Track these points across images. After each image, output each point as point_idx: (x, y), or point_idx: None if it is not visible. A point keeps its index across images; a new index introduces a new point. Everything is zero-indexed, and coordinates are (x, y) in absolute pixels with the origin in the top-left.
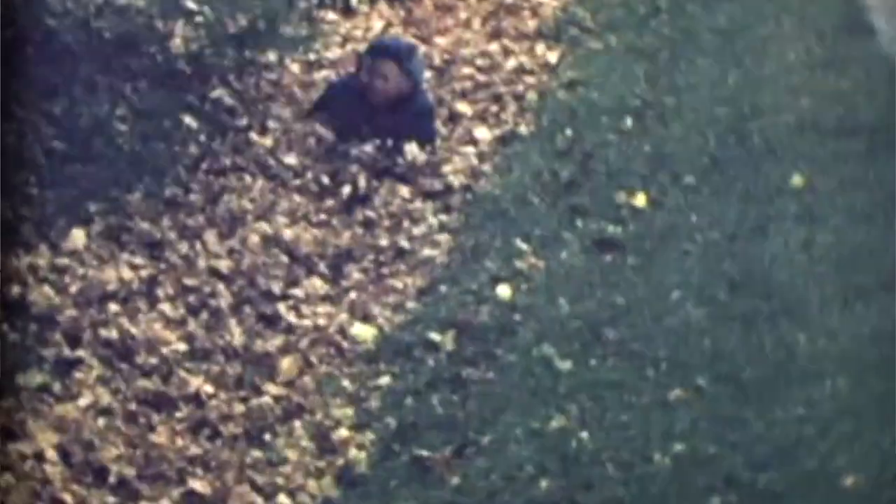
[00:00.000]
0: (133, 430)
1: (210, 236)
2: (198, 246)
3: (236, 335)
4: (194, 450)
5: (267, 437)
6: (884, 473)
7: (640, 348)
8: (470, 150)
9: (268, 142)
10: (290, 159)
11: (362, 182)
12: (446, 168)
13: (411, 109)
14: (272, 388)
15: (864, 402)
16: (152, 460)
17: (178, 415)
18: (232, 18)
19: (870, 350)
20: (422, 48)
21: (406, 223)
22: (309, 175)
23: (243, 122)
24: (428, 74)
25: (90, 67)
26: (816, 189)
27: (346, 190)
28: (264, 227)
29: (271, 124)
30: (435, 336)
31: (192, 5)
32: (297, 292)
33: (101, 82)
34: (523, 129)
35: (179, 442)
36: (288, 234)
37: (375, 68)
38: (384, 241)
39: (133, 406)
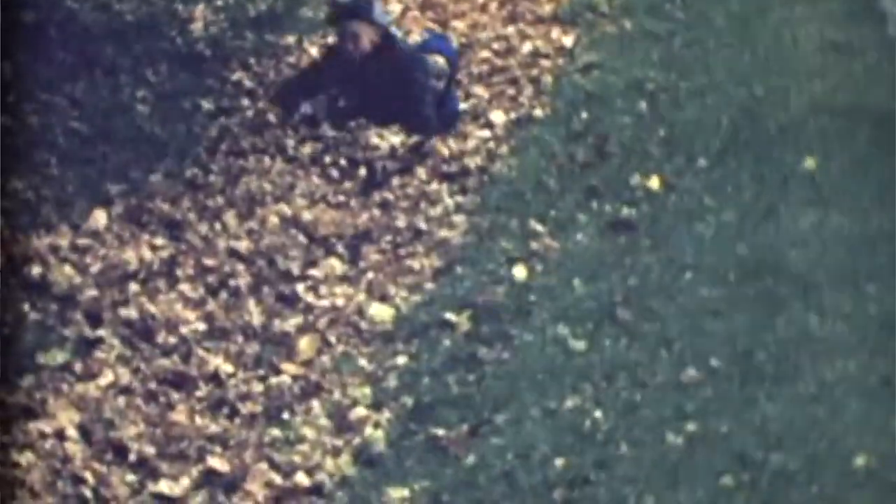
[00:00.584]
0: (153, 409)
1: (229, 217)
2: (217, 227)
3: (255, 315)
4: (213, 428)
5: (285, 415)
6: (894, 453)
7: (654, 329)
8: (486, 132)
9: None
10: (307, 144)
11: (379, 164)
12: (463, 150)
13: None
14: (290, 368)
15: (874, 384)
16: (172, 439)
17: (198, 394)
18: (251, 2)
19: (880, 332)
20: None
21: (423, 205)
22: (327, 158)
23: (261, 104)
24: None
25: (112, 50)
26: (828, 171)
27: (364, 172)
28: (283, 208)
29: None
30: (451, 316)
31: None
32: (316, 273)
33: (123, 65)
34: (539, 112)
35: (199, 420)
36: (306, 215)
37: (345, 31)
38: (401, 223)
39: (153, 385)
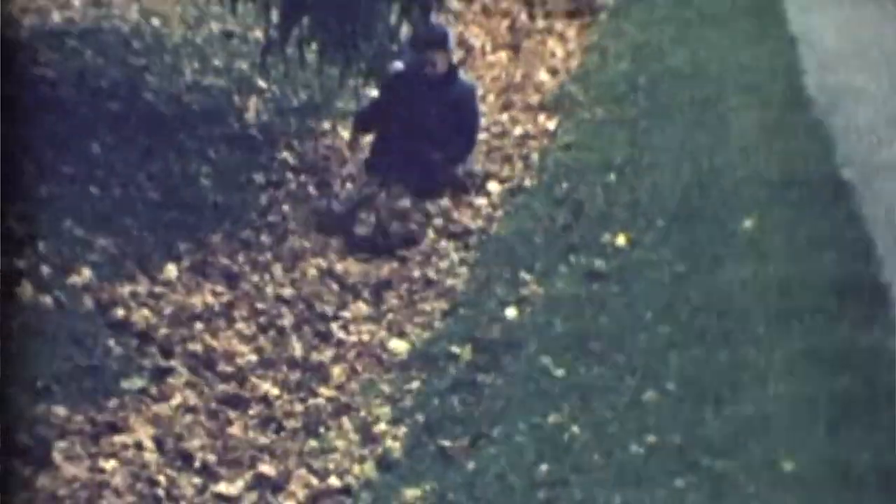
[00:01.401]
0: (214, 425)
1: (277, 269)
2: (266, 277)
3: (297, 348)
4: (263, 440)
5: (321, 430)
6: (815, 460)
7: (621, 359)
8: (484, 200)
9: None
10: (341, 208)
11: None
12: (465, 214)
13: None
14: (325, 391)
15: (800, 403)
16: (229, 449)
17: (251, 412)
18: (295, 95)
19: (805, 361)
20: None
21: (433, 259)
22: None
23: (303, 178)
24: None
25: (182, 134)
26: (764, 230)
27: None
28: (320, 262)
29: (327, 180)
30: (455, 349)
31: (263, 84)
32: (346, 314)
33: (190, 146)
34: (528, 183)
35: (251, 434)
36: (339, 267)
37: (423, 58)
38: (416, 273)
39: (214, 405)
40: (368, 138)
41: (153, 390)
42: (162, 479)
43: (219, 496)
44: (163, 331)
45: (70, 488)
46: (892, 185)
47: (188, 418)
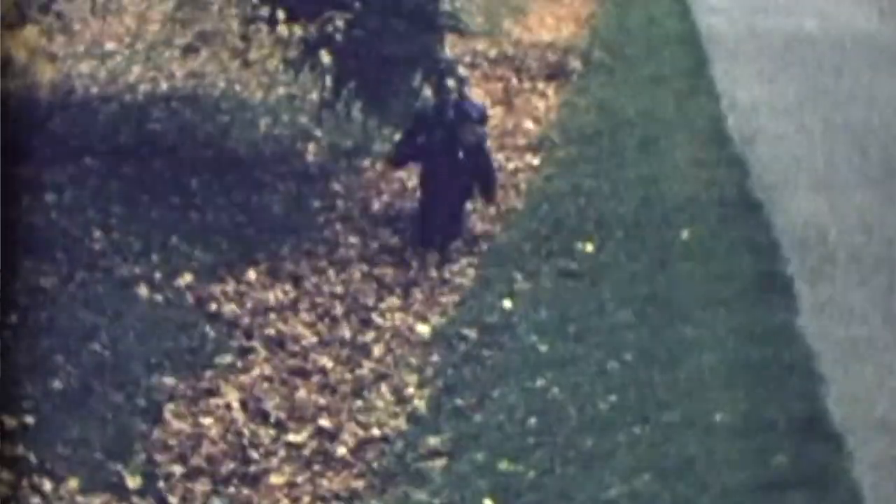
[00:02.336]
0: (285, 390)
1: (331, 272)
2: (323, 278)
3: (346, 332)
4: (321, 401)
5: (365, 393)
6: (738, 412)
7: (590, 337)
8: (483, 219)
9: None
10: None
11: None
12: (471, 231)
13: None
14: (368, 364)
15: (727, 369)
16: (297, 408)
17: (312, 380)
18: (343, 141)
19: (730, 337)
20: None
21: (447, 264)
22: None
23: (349, 203)
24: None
25: (258, 172)
26: (697, 239)
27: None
28: (364, 266)
29: (371, 206)
30: (466, 331)
31: (318, 133)
32: (383, 306)
33: (264, 180)
34: (519, 206)
35: (313, 397)
36: (377, 271)
37: (464, 128)
38: (435, 275)
39: (285, 375)
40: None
41: (239, 364)
42: (246, 431)
43: (288, 444)
44: (245, 319)
45: (177, 439)
46: (794, 203)
47: (265, 385)
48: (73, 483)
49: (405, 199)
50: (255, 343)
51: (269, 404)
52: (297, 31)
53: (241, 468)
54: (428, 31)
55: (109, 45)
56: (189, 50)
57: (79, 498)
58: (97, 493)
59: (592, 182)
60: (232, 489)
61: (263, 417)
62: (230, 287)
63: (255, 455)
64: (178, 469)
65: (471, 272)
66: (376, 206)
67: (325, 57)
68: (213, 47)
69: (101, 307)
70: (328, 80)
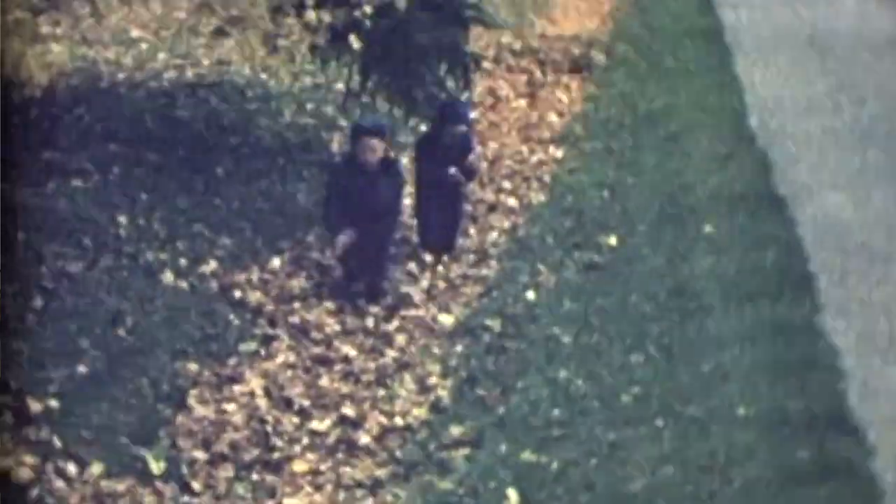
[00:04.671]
0: (308, 378)
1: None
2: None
3: (370, 321)
4: (345, 390)
5: (388, 382)
6: (761, 406)
7: (613, 329)
8: (510, 213)
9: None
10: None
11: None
12: (494, 223)
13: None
14: (391, 353)
15: (749, 363)
16: (320, 396)
17: (336, 368)
18: None
19: (753, 331)
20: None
21: (471, 257)
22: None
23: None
24: (484, 165)
25: (283, 160)
26: (720, 233)
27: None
28: None
29: None
30: (489, 322)
31: (343, 123)
32: (406, 294)
33: (289, 169)
34: (542, 198)
35: (336, 385)
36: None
37: (364, 146)
38: (459, 265)
39: (308, 363)
40: None
41: (263, 352)
42: (269, 418)
43: (312, 431)
44: (269, 307)
45: (201, 425)
46: (817, 200)
47: (289, 373)
48: (97, 468)
49: None
50: (279, 331)
51: (293, 392)
52: (326, 17)
53: (265, 455)
54: (454, 22)
55: (135, 32)
56: (217, 33)
57: (103, 482)
58: (121, 478)
59: (616, 175)
60: (255, 476)
61: (287, 405)
62: (254, 275)
63: (278, 442)
64: (201, 455)
65: (494, 264)
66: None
67: (355, 42)
68: (241, 33)
69: (126, 293)
70: (354, 71)
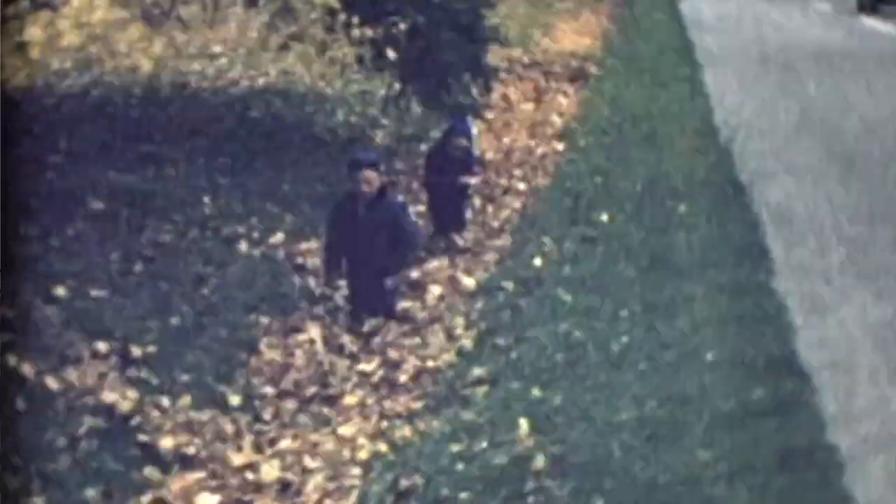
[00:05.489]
0: (357, 327)
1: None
2: None
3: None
4: (388, 338)
5: (422, 332)
6: (726, 352)
7: (605, 290)
8: (519, 195)
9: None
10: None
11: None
12: (507, 203)
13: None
14: (422, 311)
15: (717, 319)
16: (367, 343)
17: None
18: (405, 129)
19: (719, 294)
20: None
21: (489, 230)
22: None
23: (409, 179)
24: (499, 156)
25: (336, 152)
26: (693, 212)
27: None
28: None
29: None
30: (504, 283)
31: (385, 122)
32: (436, 263)
33: (342, 160)
34: (547, 183)
35: (380, 334)
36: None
37: (361, 178)
38: (479, 237)
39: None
40: None
41: (321, 308)
42: (326, 361)
43: (360, 372)
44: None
45: (270, 366)
46: (771, 185)
47: (342, 324)
48: (185, 400)
49: None
50: (333, 291)
51: (345, 340)
52: (368, 32)
53: (322, 391)
54: (475, 41)
55: (216, 48)
56: (282, 48)
57: (191, 413)
58: (205, 409)
59: (606, 164)
60: (314, 408)
61: (340, 350)
62: (313, 245)
63: (332, 381)
64: (270, 390)
65: (507, 237)
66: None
67: (391, 53)
68: (301, 48)
69: (209, 259)
70: (394, 79)
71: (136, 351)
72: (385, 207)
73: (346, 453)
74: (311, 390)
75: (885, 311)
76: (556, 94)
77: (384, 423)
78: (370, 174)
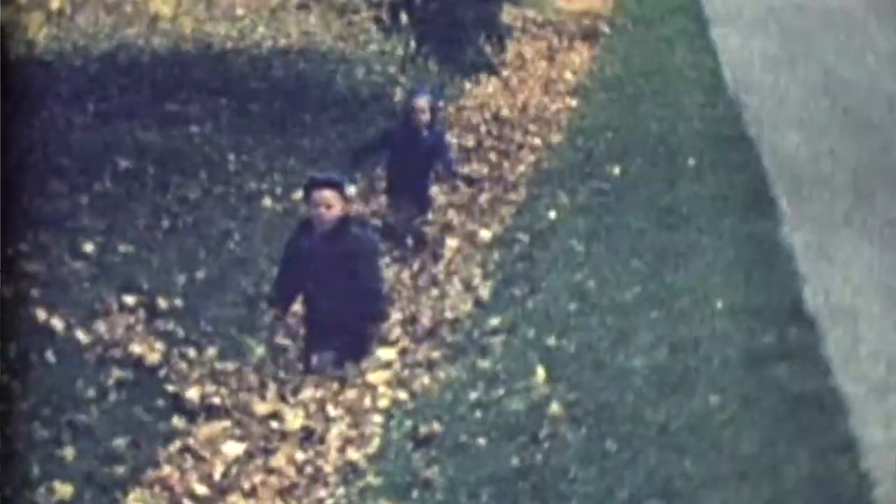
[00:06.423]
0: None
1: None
2: None
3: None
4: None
5: (440, 283)
6: (737, 301)
7: (617, 241)
8: (533, 149)
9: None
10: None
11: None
12: (522, 158)
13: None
14: (442, 263)
15: (728, 268)
16: (389, 295)
17: (401, 273)
18: (422, 85)
19: (731, 240)
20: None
21: (504, 184)
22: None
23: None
24: (514, 113)
25: (356, 109)
26: (700, 167)
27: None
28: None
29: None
30: (520, 235)
31: (403, 80)
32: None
33: (362, 117)
34: (560, 138)
35: (401, 286)
36: (442, 199)
37: (317, 199)
38: (495, 191)
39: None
40: None
41: None
42: None
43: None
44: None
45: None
46: (778, 138)
47: None
48: (211, 351)
49: (468, 133)
50: None
51: None
52: None
53: None
54: (489, 1)
55: (240, 11)
56: (301, 7)
57: (216, 364)
58: (230, 360)
59: (618, 120)
60: None
61: None
62: None
63: None
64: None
65: (522, 191)
66: (446, 137)
67: (404, 17)
68: (321, 10)
69: (234, 214)
70: (411, 39)
71: (162, 304)
72: (350, 240)
73: (368, 401)
74: None
75: (890, 260)
76: (569, 53)
77: (406, 372)
78: (328, 195)
